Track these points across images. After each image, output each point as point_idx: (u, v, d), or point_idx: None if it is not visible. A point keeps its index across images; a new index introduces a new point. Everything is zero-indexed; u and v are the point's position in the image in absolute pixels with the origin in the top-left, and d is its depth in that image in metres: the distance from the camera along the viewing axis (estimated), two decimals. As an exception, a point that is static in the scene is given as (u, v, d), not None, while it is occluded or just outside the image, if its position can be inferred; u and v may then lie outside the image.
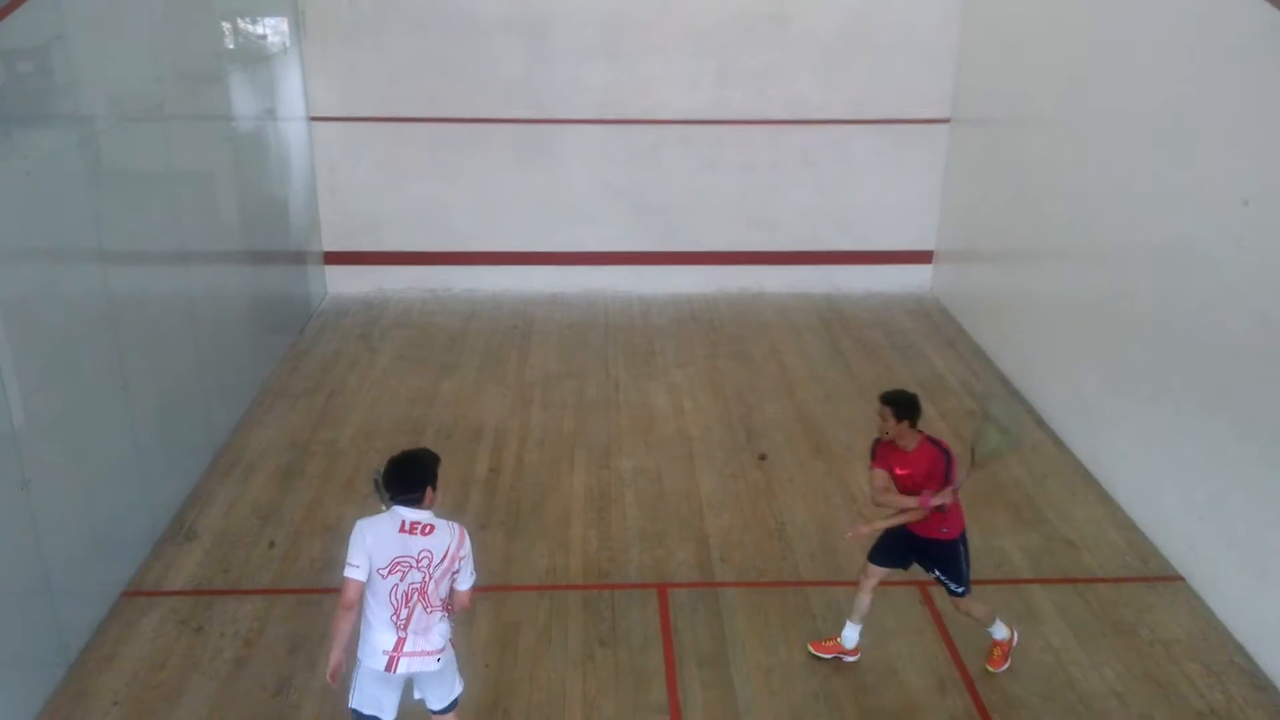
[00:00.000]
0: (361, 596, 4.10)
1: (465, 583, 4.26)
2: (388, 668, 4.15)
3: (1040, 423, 7.97)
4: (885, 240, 10.72)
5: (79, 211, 5.64)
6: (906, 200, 10.57)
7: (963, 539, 5.22)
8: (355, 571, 4.06)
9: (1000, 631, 5.41)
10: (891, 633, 5.67)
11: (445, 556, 4.13)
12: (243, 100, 8.33)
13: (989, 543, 6.48)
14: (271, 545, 6.38)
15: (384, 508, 4.20)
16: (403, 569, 4.09)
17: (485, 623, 5.73)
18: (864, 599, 5.34)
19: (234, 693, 5.20)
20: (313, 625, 5.66)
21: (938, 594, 5.99)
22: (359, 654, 4.21)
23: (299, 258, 9.87)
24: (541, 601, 5.92)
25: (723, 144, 10.32)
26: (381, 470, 4.24)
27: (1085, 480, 7.20)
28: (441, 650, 4.23)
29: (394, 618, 4.11)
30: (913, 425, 5.04)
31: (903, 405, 5.02)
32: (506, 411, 8.14)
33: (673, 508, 6.85)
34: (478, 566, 4.31)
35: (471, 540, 4.26)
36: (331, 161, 10.20)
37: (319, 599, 5.88)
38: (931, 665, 5.45)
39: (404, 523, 4.11)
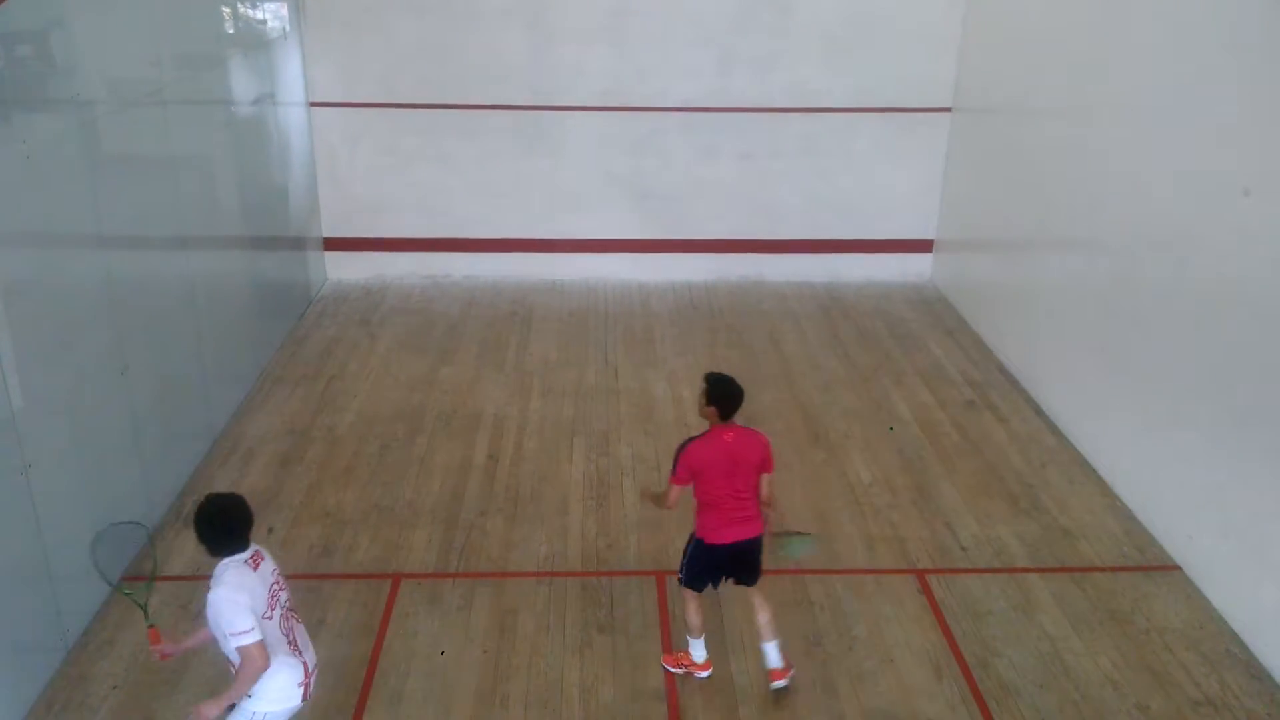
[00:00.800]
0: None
1: None
2: (304, 696, 4.16)
3: (1039, 412, 7.98)
4: (885, 229, 10.71)
5: (79, 196, 5.63)
6: (907, 189, 10.55)
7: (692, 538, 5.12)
8: (253, 634, 3.86)
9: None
10: (889, 620, 5.69)
11: (276, 568, 4.17)
12: (242, 85, 8.30)
13: (987, 531, 6.50)
14: (270, 531, 6.39)
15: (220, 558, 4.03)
16: (276, 595, 4.08)
17: (484, 609, 5.75)
18: (694, 619, 5.20)
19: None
20: (310, 611, 5.67)
21: (934, 582, 6.02)
22: (260, 706, 4.05)
23: (299, 243, 9.86)
24: (540, 588, 5.93)
25: (723, 132, 10.29)
26: (204, 528, 4.02)
27: (1084, 470, 7.21)
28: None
29: (290, 647, 4.08)
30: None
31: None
32: (506, 398, 8.15)
33: (671, 495, 6.86)
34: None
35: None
36: (331, 147, 10.18)
37: (318, 584, 5.90)
38: (928, 652, 5.47)
39: (249, 562, 4.01)
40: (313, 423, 7.71)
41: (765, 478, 5.04)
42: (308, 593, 5.83)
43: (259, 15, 8.85)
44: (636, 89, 10.12)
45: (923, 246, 10.76)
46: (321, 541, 6.31)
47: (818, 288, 10.57)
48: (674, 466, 4.93)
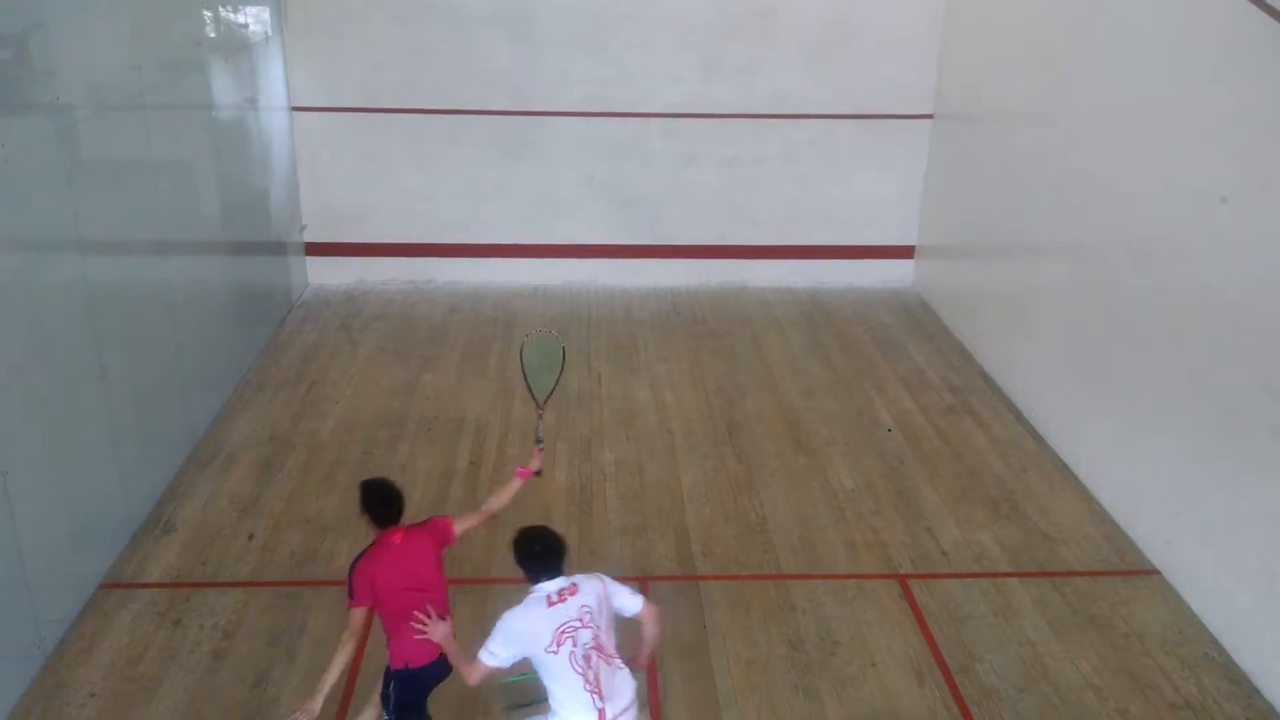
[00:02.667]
0: (489, 677, 3.99)
1: (634, 604, 4.15)
2: None
3: (1020, 418, 8.03)
4: (868, 235, 10.76)
5: (57, 201, 5.59)
6: (889, 195, 10.60)
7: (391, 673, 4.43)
8: (491, 658, 3.98)
9: None
10: (871, 625, 5.71)
11: (600, 603, 4.04)
12: (224, 90, 8.27)
13: (967, 536, 6.53)
14: (251, 537, 6.36)
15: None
16: (571, 634, 3.94)
17: (467, 615, 5.71)
18: None
19: (212, 685, 5.18)
20: (291, 618, 5.65)
21: (916, 587, 6.04)
22: None
23: (280, 248, 9.81)
24: (521, 594, 5.90)
25: (706, 138, 10.32)
26: (516, 555, 4.11)
27: (1064, 475, 7.25)
28: (632, 703, 4.06)
29: (585, 686, 3.91)
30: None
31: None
32: (488, 404, 8.13)
33: (654, 501, 6.87)
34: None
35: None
36: (313, 152, 10.14)
37: (298, 591, 5.87)
38: (910, 657, 5.48)
39: (549, 598, 4.00)
40: (294, 428, 7.67)
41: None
42: (288, 600, 5.81)
43: (241, 20, 8.82)
44: (619, 95, 10.13)
45: (904, 253, 10.81)
46: (303, 548, 6.27)
47: (800, 293, 10.60)
48: (349, 588, 4.33)
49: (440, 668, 4.38)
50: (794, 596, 5.94)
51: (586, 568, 6.10)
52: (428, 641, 4.27)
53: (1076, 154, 7.41)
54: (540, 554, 4.08)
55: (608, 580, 4.16)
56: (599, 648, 3.99)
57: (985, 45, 9.29)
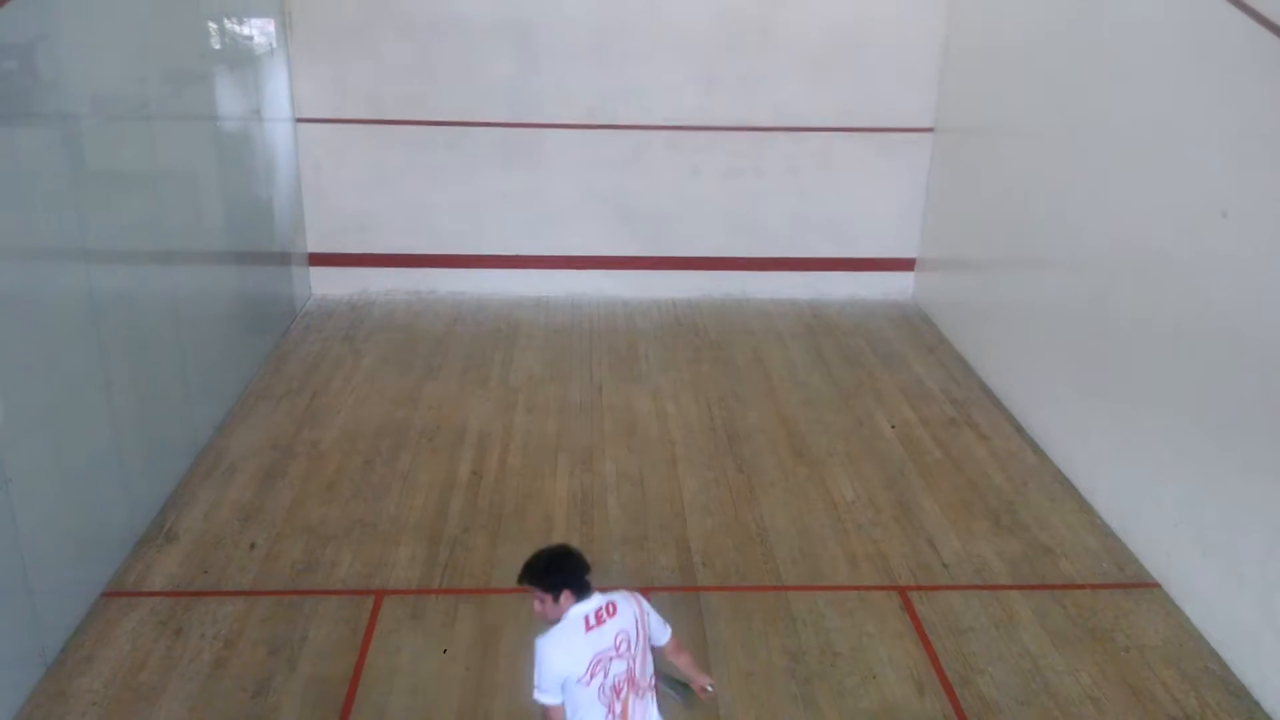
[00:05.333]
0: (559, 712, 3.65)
1: (663, 636, 3.89)
2: None
3: (1020, 430, 8.04)
4: (869, 247, 10.78)
5: (62, 210, 5.62)
6: (890, 208, 10.63)
7: None
8: (549, 697, 3.65)
9: None
10: (871, 637, 5.71)
11: (637, 628, 3.75)
12: (228, 100, 8.31)
13: (968, 548, 6.53)
14: (252, 547, 6.37)
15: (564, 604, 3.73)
16: (604, 664, 3.67)
17: (467, 626, 5.74)
18: None
19: (213, 694, 5.19)
20: (293, 627, 5.66)
21: (916, 598, 6.04)
22: None
23: (283, 259, 9.85)
24: (523, 605, 5.86)
25: (708, 150, 10.35)
26: (548, 573, 3.79)
27: (1064, 487, 7.26)
28: None
29: (609, 716, 3.69)
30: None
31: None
32: (490, 415, 8.15)
33: (655, 512, 6.88)
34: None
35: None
36: (317, 163, 10.19)
37: (300, 601, 5.87)
38: (910, 669, 5.48)
39: (587, 620, 3.68)
40: (296, 438, 7.69)
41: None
42: (289, 609, 5.81)
43: (246, 31, 8.87)
44: (622, 107, 10.17)
45: (905, 265, 10.84)
46: (304, 557, 6.28)
47: (801, 305, 10.63)
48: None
49: None
50: (794, 607, 5.95)
51: (587, 578, 6.15)
52: None
53: (1077, 168, 7.43)
54: (573, 570, 3.77)
55: (643, 600, 3.88)
56: (631, 680, 3.73)
57: (986, 59, 9.33)
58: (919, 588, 6.15)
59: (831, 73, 10.16)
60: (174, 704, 5.10)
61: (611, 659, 3.68)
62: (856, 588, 6.15)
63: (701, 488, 7.17)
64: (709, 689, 4.10)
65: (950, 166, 10.06)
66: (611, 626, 3.71)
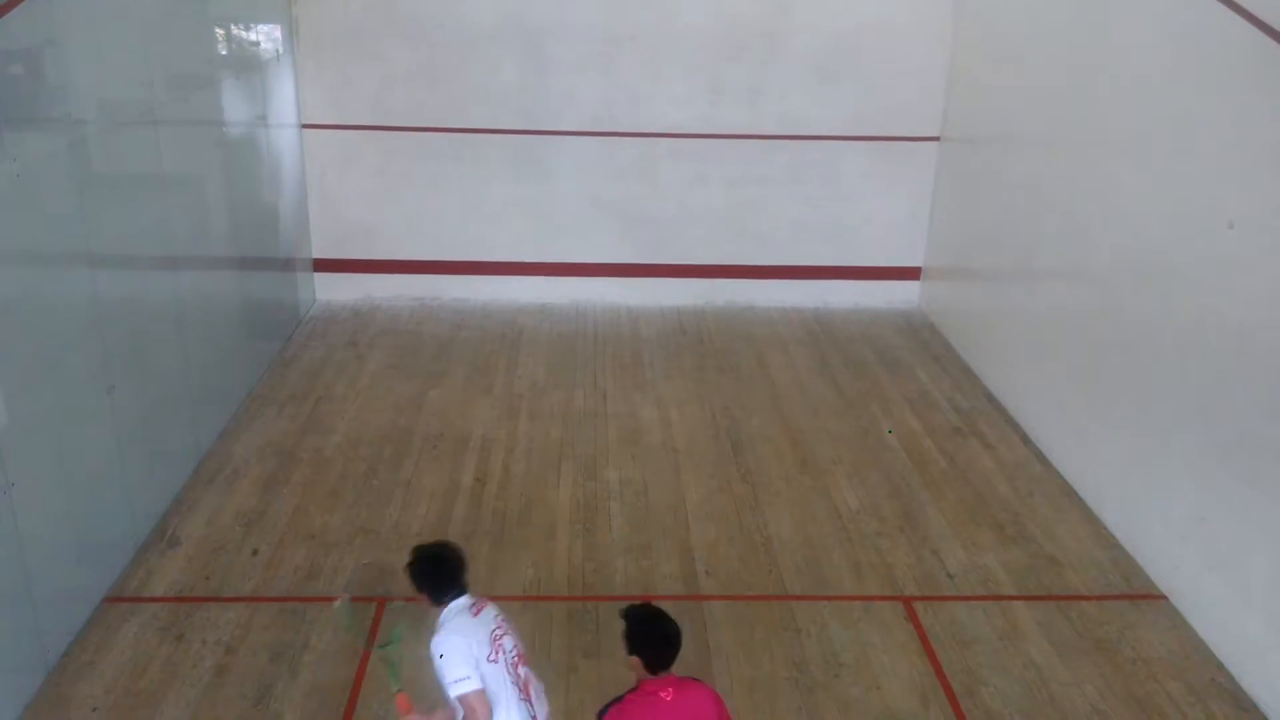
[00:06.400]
0: (483, 700, 3.74)
1: None
2: None
3: (1026, 440, 8.01)
4: (874, 256, 10.77)
5: (68, 215, 5.62)
6: (895, 216, 10.62)
7: None
8: (468, 684, 3.70)
9: None
10: (875, 647, 5.68)
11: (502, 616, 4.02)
12: (234, 106, 8.32)
13: (973, 559, 6.50)
14: (255, 553, 6.35)
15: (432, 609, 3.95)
16: (499, 640, 3.87)
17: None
18: None
19: (214, 701, 5.17)
20: (294, 634, 5.64)
21: (921, 609, 6.01)
22: None
23: (288, 264, 9.85)
24: (525, 612, 5.90)
25: (713, 158, 10.35)
26: (416, 576, 3.98)
27: (1070, 498, 7.23)
28: (550, 714, 4.06)
29: (520, 695, 3.87)
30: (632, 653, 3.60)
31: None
32: (494, 421, 8.14)
33: (659, 520, 6.85)
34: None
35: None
36: (322, 169, 10.20)
37: (302, 608, 5.86)
38: (914, 680, 5.45)
39: (471, 608, 3.92)
40: (299, 444, 7.68)
41: None
42: (291, 615, 5.80)
43: (253, 37, 8.89)
44: (627, 115, 10.17)
45: (910, 274, 10.82)
46: (307, 564, 6.27)
47: (806, 313, 10.61)
48: None
49: None
50: (798, 617, 5.92)
51: (590, 587, 6.15)
52: None
53: (1083, 177, 7.42)
54: (451, 571, 3.95)
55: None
56: (520, 654, 3.96)
57: (992, 68, 9.33)
58: (924, 598, 6.12)
59: (837, 82, 10.16)
60: (175, 710, 5.08)
61: (502, 635, 3.90)
62: (861, 598, 6.12)
63: (705, 496, 7.14)
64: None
65: (956, 175, 10.04)
66: (489, 610, 3.96)
